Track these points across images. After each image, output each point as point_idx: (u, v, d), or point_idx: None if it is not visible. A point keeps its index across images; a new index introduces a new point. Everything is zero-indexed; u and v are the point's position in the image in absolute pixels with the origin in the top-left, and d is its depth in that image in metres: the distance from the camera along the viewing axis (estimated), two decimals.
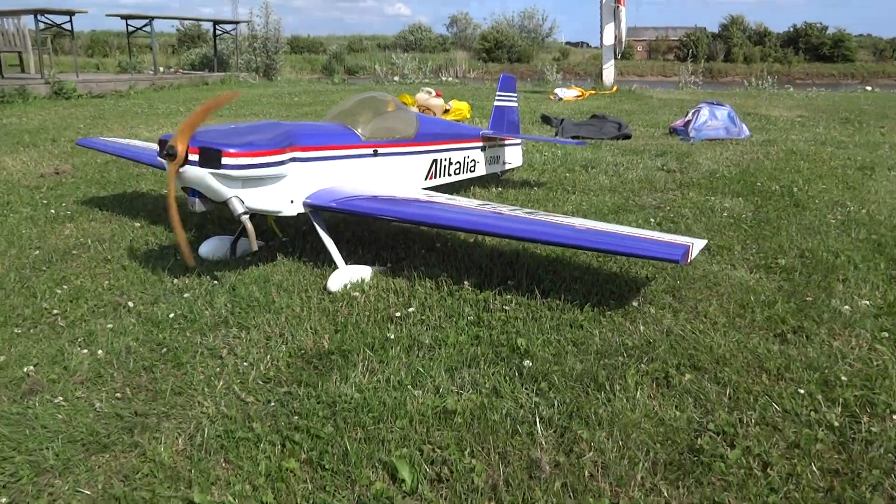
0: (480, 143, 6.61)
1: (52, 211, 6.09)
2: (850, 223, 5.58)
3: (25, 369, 3.28)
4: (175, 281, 4.41)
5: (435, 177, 5.84)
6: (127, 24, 21.05)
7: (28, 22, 16.65)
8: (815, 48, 58.89)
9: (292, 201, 4.42)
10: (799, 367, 3.23)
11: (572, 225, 4.13)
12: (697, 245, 3.83)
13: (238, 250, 4.90)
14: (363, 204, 4.42)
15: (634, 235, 3.94)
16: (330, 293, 4.18)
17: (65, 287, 4.33)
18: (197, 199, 4.09)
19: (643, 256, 3.74)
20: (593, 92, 18.90)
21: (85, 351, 3.47)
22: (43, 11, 16.52)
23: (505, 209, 4.56)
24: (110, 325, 3.77)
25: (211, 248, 4.85)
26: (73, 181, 7.33)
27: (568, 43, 73.30)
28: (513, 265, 4.59)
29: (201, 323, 3.80)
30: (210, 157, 3.89)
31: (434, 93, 13.14)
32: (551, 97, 17.45)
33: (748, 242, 5.13)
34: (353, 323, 3.78)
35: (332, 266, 4.43)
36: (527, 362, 3.29)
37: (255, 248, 4.12)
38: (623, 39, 19.52)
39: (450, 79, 28.30)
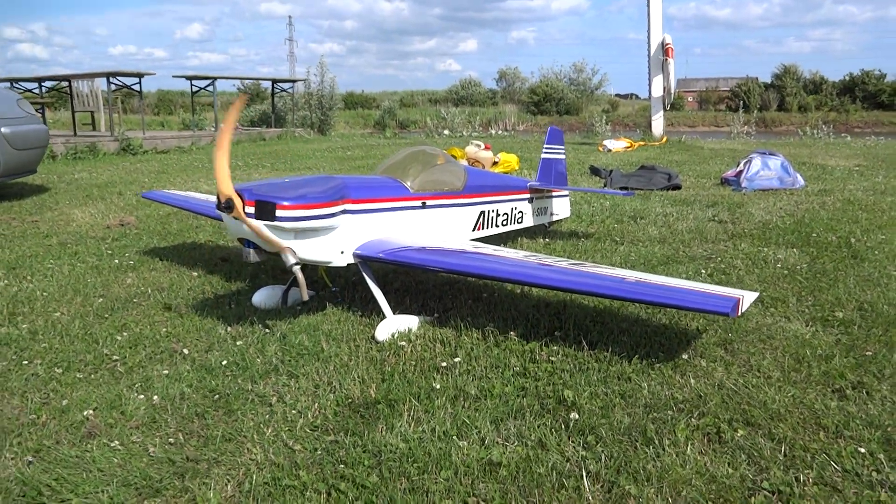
0: (528, 195, 6.68)
1: (116, 261, 6.37)
2: None
3: (85, 413, 3.41)
4: (228, 329, 4.54)
5: (483, 228, 5.91)
6: (191, 84, 22.17)
7: (101, 83, 17.70)
8: (873, 96, 57.68)
9: (342, 252, 4.54)
10: (859, 425, 3.11)
11: (620, 277, 4.12)
12: (748, 297, 3.77)
13: (289, 300, 5.02)
14: (411, 255, 4.50)
15: (683, 287, 3.90)
16: (377, 342, 4.23)
17: (125, 334, 4.50)
18: (252, 250, 4.24)
19: (692, 309, 3.69)
20: (642, 143, 18.89)
21: (141, 396, 3.59)
22: (115, 74, 17.55)
23: (550, 260, 4.58)
24: (166, 372, 3.90)
25: (263, 297, 4.99)
26: (136, 232, 7.67)
27: (617, 95, 73.71)
28: (559, 316, 4.58)
29: (252, 370, 3.89)
30: (265, 210, 4.04)
31: (483, 146, 13.36)
32: (600, 149, 17.50)
33: (803, 294, 5.00)
34: (399, 372, 3.81)
35: (381, 316, 4.50)
36: (573, 415, 3.25)
37: (306, 297, 4.22)
38: (672, 91, 19.55)
39: (500, 132, 28.72)
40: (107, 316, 4.87)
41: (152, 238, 7.37)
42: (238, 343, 4.28)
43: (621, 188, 10.47)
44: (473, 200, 5.73)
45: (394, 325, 4.37)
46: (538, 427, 3.17)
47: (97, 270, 6.09)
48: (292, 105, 25.87)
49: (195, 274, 5.88)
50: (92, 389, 3.70)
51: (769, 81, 62.05)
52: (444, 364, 3.88)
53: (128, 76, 17.95)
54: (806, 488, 2.65)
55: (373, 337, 4.31)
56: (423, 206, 5.15)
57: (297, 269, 4.17)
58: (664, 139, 19.59)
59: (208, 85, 22.11)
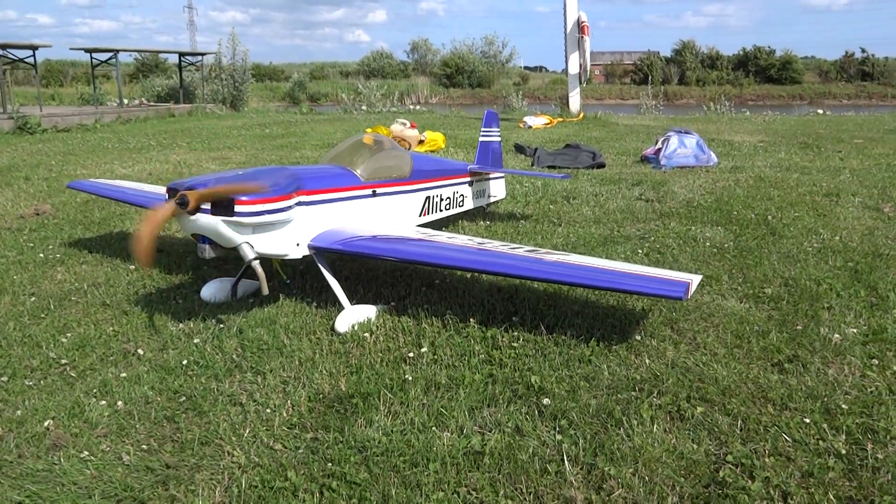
0: (468, 178, 6.77)
1: (41, 255, 6.03)
2: (826, 251, 5.86)
3: (45, 424, 3.27)
4: (181, 325, 4.42)
5: (428, 213, 5.96)
6: (91, 58, 20.85)
7: None
8: (764, 70, 61.05)
9: (298, 244, 4.49)
10: (801, 397, 3.40)
11: (578, 264, 4.27)
12: (695, 281, 4.01)
13: (239, 292, 4.93)
14: (368, 244, 4.51)
15: (638, 273, 4.10)
16: (339, 334, 4.24)
17: (68, 335, 4.31)
18: (207, 246, 4.13)
19: (648, 294, 3.90)
20: (561, 119, 19.33)
21: (103, 402, 3.47)
22: (6, 46, 16.29)
23: (504, 247, 4.70)
24: (123, 374, 3.78)
25: (212, 290, 4.87)
26: (55, 222, 7.25)
27: (526, 68, 74.77)
28: (513, 300, 4.72)
29: (215, 369, 3.82)
30: (223, 206, 3.95)
31: (409, 124, 13.34)
32: (521, 125, 17.80)
33: (734, 272, 5.35)
34: (367, 364, 3.84)
35: (338, 306, 4.50)
36: (545, 400, 3.40)
37: (266, 291, 4.17)
38: (588, 68, 20.06)
39: (417, 107, 28.61)
40: (43, 316, 4.64)
41: (75, 228, 7.00)
42: (194, 340, 4.18)
43: (549, 167, 10.74)
44: (420, 186, 5.77)
45: (353, 315, 4.39)
46: (513, 413, 3.30)
47: (21, 266, 5.75)
48: (202, 80, 24.82)
49: (132, 267, 5.65)
50: (46, 397, 3.54)
51: (670, 56, 64.50)
52: (410, 354, 3.95)
53: (20, 48, 16.72)
54: (765, 459, 2.90)
55: (332, 328, 4.31)
56: (374, 194, 5.15)
57: (255, 263, 4.10)
58: (581, 115, 20.12)
59: (111, 58, 20.87)
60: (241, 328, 4.35)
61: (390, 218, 5.31)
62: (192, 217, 3.96)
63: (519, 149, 12.91)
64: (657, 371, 3.69)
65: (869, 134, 15.55)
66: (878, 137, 14.77)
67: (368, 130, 13.71)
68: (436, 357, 3.92)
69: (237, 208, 3.96)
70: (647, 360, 3.82)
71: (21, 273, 5.55)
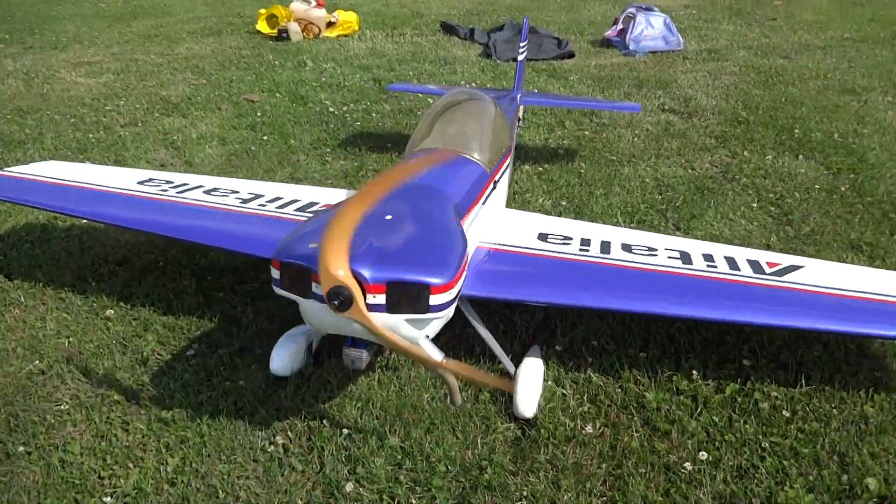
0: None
1: None
2: None
3: None
4: (273, 440, 2.85)
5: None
6: None
7: None
8: None
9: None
10: None
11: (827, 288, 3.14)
12: None
13: (317, 353, 3.31)
14: (539, 288, 3.02)
15: None
16: (530, 422, 2.94)
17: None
18: (364, 352, 2.52)
19: None
20: None
21: None
22: None
23: (670, 255, 3.38)
24: None
25: (285, 358, 3.12)
26: None
27: None
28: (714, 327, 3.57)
29: None
30: (410, 296, 2.32)
31: (313, 1, 10.82)
32: None
33: None
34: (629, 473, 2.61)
35: (494, 368, 3.13)
36: None
37: (459, 401, 2.65)
38: None
39: None
40: None
41: None
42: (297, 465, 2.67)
43: (512, 59, 9.16)
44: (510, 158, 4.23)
45: (532, 384, 3.03)
46: None
47: None
48: None
49: (96, 308, 3.73)
50: None
51: None
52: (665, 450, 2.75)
53: None
54: None
55: (516, 415, 2.97)
56: (494, 186, 3.60)
57: (447, 362, 2.56)
58: None
59: None
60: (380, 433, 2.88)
61: (496, 214, 3.76)
62: (347, 319, 2.30)
63: (448, 28, 11.06)
64: None
65: None
66: None
67: (262, 12, 11.01)
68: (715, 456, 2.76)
69: (434, 299, 2.35)
70: None
71: None
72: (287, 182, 5.33)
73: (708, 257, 3.33)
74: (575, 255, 3.22)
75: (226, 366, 3.32)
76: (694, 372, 3.22)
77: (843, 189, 5.16)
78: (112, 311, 3.72)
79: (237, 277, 4.04)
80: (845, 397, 3.09)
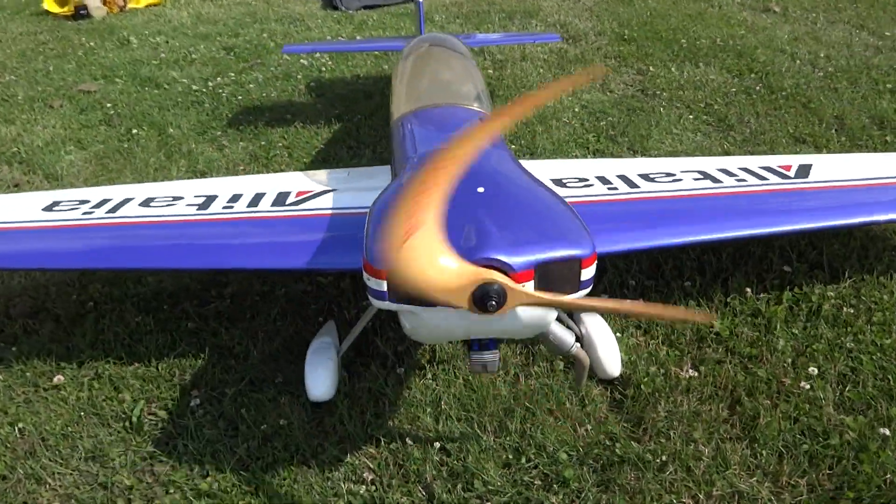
0: None
1: None
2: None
3: None
4: None
5: None
6: None
7: None
8: None
9: None
10: None
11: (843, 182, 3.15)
12: None
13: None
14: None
15: None
16: (619, 379, 2.70)
17: None
18: (497, 353, 2.06)
19: None
20: None
21: None
22: None
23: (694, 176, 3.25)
24: None
25: (327, 380, 2.63)
26: None
27: None
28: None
29: None
30: (561, 276, 1.90)
31: None
32: None
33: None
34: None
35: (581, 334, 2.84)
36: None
37: (583, 387, 2.31)
38: None
39: None
40: None
41: None
42: None
43: (365, 7, 8.55)
44: None
45: (608, 338, 2.78)
46: None
47: None
48: None
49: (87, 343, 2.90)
50: None
51: None
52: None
53: None
54: None
55: (604, 378, 2.71)
56: None
57: (579, 347, 2.19)
58: None
59: None
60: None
61: None
62: (497, 315, 1.84)
63: None
64: None
65: None
66: None
67: None
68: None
69: (584, 274, 1.95)
70: None
71: None
72: (189, 177, 4.54)
73: (727, 172, 3.23)
74: (623, 194, 2.95)
75: (248, 407, 2.70)
76: (748, 289, 3.13)
77: (757, 89, 5.36)
78: (60, 377, 2.89)
79: (196, 300, 3.33)
80: (885, 282, 3.16)
